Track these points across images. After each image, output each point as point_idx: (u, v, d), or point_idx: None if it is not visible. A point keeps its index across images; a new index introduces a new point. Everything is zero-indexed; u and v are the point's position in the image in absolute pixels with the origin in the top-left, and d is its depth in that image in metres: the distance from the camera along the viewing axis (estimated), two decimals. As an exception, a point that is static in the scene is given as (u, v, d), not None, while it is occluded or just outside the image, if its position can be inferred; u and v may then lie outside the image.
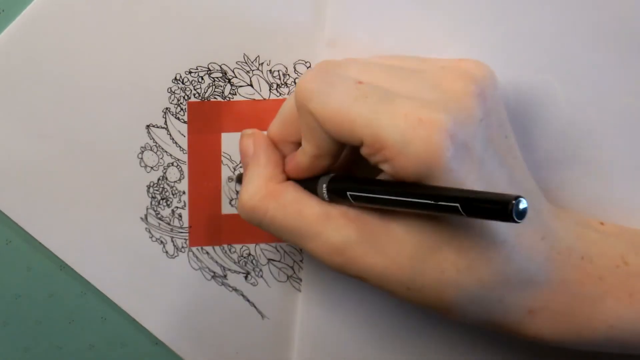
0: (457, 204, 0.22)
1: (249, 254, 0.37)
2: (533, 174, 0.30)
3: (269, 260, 0.37)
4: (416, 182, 0.25)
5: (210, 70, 0.34)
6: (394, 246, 0.26)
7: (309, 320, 0.37)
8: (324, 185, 0.28)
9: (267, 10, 0.34)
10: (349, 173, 0.31)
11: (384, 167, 0.25)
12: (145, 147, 0.35)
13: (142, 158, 0.35)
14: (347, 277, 0.28)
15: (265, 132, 0.32)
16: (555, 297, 0.28)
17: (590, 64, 0.32)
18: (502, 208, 0.21)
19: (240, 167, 0.35)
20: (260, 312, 0.37)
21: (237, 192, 0.36)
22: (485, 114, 0.26)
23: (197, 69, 0.34)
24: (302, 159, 0.29)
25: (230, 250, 0.37)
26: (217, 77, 0.34)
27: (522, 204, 0.21)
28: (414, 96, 0.25)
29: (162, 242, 0.36)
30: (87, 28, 0.33)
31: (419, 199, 0.24)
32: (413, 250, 0.26)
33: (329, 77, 0.27)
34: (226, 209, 0.36)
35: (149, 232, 0.36)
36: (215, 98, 0.35)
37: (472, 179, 0.25)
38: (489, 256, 0.26)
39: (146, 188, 0.35)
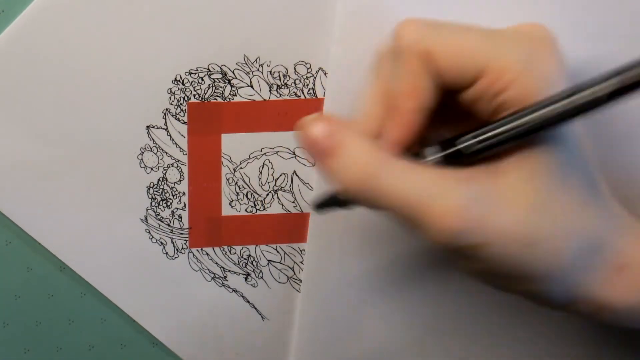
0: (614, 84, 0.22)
1: (249, 255, 0.37)
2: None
3: (269, 261, 0.37)
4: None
5: (210, 71, 0.34)
6: (511, 201, 0.25)
7: (308, 322, 0.37)
8: (435, 146, 0.27)
9: (267, 11, 0.33)
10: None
11: (503, 96, 0.25)
12: (145, 148, 0.35)
13: (142, 159, 0.35)
14: (350, 279, 0.27)
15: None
16: None
17: None
18: None
19: (243, 165, 0.35)
20: (260, 314, 0.37)
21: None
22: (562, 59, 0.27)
23: (197, 69, 0.34)
24: (401, 119, 0.27)
25: (230, 251, 0.36)
26: (217, 78, 0.34)
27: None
28: (523, 28, 0.26)
29: (162, 243, 0.36)
30: (87, 28, 0.33)
31: (558, 104, 0.23)
32: (530, 200, 0.25)
33: (428, 21, 0.26)
34: (226, 210, 0.36)
35: (149, 233, 0.36)
36: (215, 99, 0.35)
37: (581, 132, 0.26)
38: (591, 213, 0.26)
39: (146, 189, 0.35)
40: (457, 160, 0.26)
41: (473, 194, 0.24)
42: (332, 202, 0.29)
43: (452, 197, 0.24)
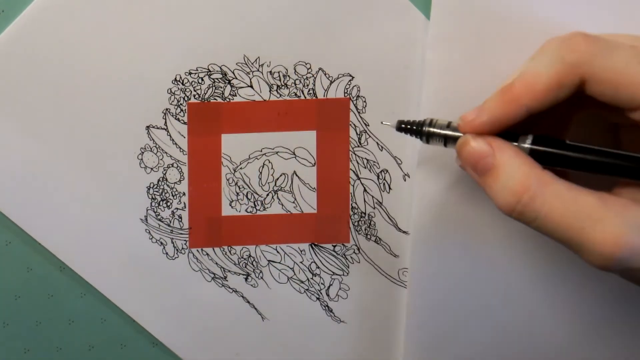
0: None
1: (249, 256, 0.37)
2: None
3: (269, 261, 0.37)
4: None
5: (210, 71, 0.34)
6: None
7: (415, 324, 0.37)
8: (528, 140, 0.27)
9: (267, 10, 0.33)
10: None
11: None
12: (145, 148, 0.35)
13: (142, 159, 0.35)
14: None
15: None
16: None
17: None
18: None
19: (252, 159, 0.35)
20: (260, 314, 0.37)
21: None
22: None
23: (197, 70, 0.34)
24: (516, 108, 0.27)
25: (230, 251, 0.36)
26: (217, 78, 0.34)
27: None
28: None
29: (162, 243, 0.36)
30: (87, 29, 0.33)
31: None
32: None
33: (602, 42, 0.26)
34: (226, 210, 0.36)
35: (149, 233, 0.36)
36: (215, 99, 0.35)
37: None
38: None
39: (146, 189, 0.35)
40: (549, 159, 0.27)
41: (632, 221, 0.25)
42: (416, 131, 0.29)
43: (612, 224, 0.25)
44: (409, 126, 0.30)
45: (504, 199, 0.26)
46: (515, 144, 0.27)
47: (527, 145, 0.27)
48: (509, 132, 0.28)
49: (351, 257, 0.37)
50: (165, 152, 0.35)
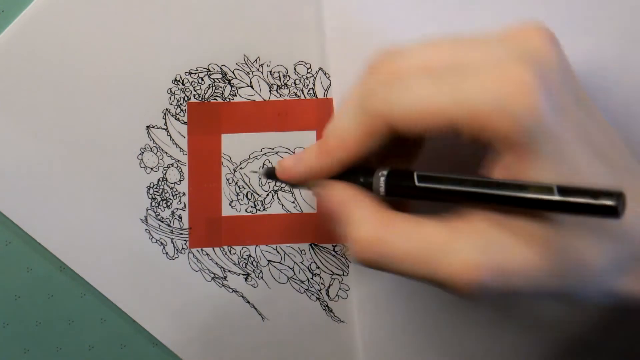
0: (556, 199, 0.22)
1: (249, 256, 0.37)
2: None
3: (269, 261, 0.37)
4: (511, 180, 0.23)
5: (210, 71, 0.34)
6: (525, 239, 0.24)
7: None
8: (383, 173, 0.26)
9: (267, 11, 0.33)
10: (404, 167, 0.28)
11: (484, 140, 0.23)
12: (145, 148, 0.35)
13: (142, 159, 0.35)
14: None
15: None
16: None
17: None
18: (608, 206, 0.21)
19: (244, 165, 0.35)
20: (260, 314, 0.37)
21: (246, 188, 0.36)
22: (564, 58, 0.25)
23: (197, 69, 0.34)
24: (329, 161, 0.27)
25: (230, 251, 0.36)
26: (217, 78, 0.34)
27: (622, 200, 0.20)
28: (493, 59, 0.23)
29: (162, 243, 0.36)
30: (87, 28, 0.33)
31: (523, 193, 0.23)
32: (544, 238, 0.24)
33: (393, 74, 0.24)
34: (226, 210, 0.36)
35: (149, 233, 0.36)
36: (215, 99, 0.35)
37: (569, 137, 0.23)
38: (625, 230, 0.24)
39: (146, 189, 0.35)
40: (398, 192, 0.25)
41: (484, 246, 0.24)
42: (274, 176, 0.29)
43: (463, 254, 0.23)
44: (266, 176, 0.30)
45: (355, 250, 0.25)
46: (362, 180, 0.27)
47: (382, 185, 0.26)
48: (364, 167, 0.27)
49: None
50: (165, 152, 0.35)
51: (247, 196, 0.36)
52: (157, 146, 0.35)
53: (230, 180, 0.36)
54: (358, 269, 0.36)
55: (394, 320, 0.37)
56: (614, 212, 0.21)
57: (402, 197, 0.26)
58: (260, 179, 0.35)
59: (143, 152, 0.35)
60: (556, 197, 0.22)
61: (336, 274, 0.37)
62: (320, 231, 0.36)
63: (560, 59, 0.25)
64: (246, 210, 0.36)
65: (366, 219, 0.25)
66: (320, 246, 0.37)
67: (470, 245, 0.24)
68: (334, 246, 0.36)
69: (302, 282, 0.37)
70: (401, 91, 0.24)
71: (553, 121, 0.23)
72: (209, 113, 0.35)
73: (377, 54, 0.26)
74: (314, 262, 0.37)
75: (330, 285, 0.37)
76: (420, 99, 0.23)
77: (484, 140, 0.23)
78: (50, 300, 0.37)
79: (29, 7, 0.33)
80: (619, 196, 0.21)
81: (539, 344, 0.37)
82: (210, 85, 0.34)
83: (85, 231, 0.36)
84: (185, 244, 0.36)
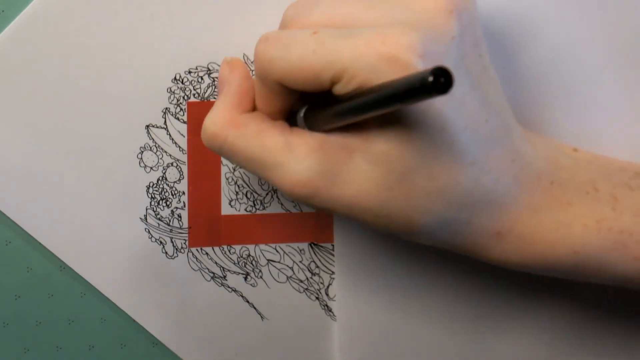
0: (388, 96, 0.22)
1: (249, 255, 0.37)
2: (510, 96, 0.29)
3: (269, 261, 0.37)
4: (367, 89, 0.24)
5: (210, 70, 0.34)
6: (359, 176, 0.26)
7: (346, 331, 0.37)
8: (302, 112, 0.28)
9: (267, 10, 0.34)
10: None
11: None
12: (144, 148, 0.35)
13: (141, 158, 0.35)
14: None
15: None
16: (522, 221, 0.27)
17: None
18: (422, 85, 0.20)
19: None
20: (260, 313, 0.37)
21: (247, 185, 0.36)
22: (459, 31, 0.25)
23: (196, 69, 0.34)
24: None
25: (229, 251, 0.36)
26: (216, 77, 0.34)
27: (442, 74, 0.20)
28: (383, 22, 0.25)
29: (161, 242, 0.36)
30: (87, 28, 0.33)
31: (361, 99, 0.23)
32: (380, 180, 0.26)
33: (282, 40, 0.26)
34: (226, 209, 0.36)
35: (149, 232, 0.36)
36: (215, 98, 0.35)
37: (443, 100, 0.24)
38: (458, 179, 0.26)
39: (146, 188, 0.35)
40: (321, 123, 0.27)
41: (318, 167, 0.26)
42: None
43: (298, 168, 0.26)
44: None
45: (204, 122, 0.28)
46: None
47: (300, 121, 0.28)
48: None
49: (351, 257, 0.37)
50: (165, 151, 0.35)
51: (246, 195, 0.36)
52: (157, 145, 0.35)
53: (230, 180, 0.36)
54: (343, 270, 0.36)
55: (374, 320, 0.37)
56: (435, 86, 0.20)
57: (318, 129, 0.27)
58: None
59: (142, 151, 0.35)
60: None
61: (336, 274, 0.37)
62: (319, 230, 0.36)
63: (460, 29, 0.25)
64: (245, 210, 0.36)
65: (220, 115, 0.28)
66: (320, 245, 0.37)
67: (305, 166, 0.26)
68: (334, 245, 0.36)
69: (302, 281, 0.37)
70: (285, 52, 0.26)
71: None
72: (208, 112, 0.35)
73: (294, 5, 0.28)
74: (314, 261, 0.37)
75: (329, 284, 0.37)
76: (297, 61, 0.25)
77: None
78: (50, 299, 0.37)
79: (28, 7, 0.33)
80: (437, 70, 0.20)
81: (528, 346, 0.37)
82: (210, 84, 0.34)
83: (85, 230, 0.36)
84: (184, 243, 0.36)
